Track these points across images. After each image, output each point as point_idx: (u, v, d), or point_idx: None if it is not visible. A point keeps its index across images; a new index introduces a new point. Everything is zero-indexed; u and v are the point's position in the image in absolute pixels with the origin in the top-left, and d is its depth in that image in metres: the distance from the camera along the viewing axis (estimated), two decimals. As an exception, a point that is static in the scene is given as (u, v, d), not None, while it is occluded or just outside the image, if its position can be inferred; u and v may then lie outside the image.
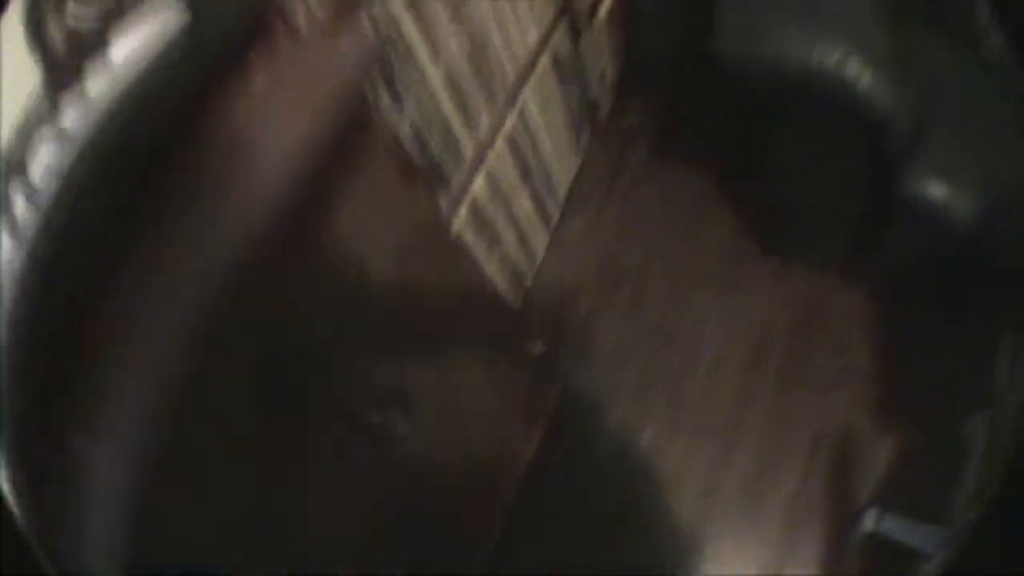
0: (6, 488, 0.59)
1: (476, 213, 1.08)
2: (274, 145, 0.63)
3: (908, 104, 0.98)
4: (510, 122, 1.09)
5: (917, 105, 1.00)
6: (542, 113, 1.17)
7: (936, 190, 1.03)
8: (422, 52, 0.99)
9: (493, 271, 1.12)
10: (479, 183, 1.07)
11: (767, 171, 1.16)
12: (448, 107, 1.03)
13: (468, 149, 1.06)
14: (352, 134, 0.67)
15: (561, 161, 1.21)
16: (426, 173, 1.04)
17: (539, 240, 1.20)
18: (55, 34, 0.84)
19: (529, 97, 1.15)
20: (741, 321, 1.17)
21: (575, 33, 1.22)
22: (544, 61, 1.18)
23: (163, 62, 0.63)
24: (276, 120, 0.65)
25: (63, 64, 0.77)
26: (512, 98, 1.10)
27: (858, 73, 0.94)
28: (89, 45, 0.65)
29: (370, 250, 0.77)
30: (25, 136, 0.73)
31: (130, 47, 0.66)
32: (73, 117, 0.63)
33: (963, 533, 1.12)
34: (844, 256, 1.16)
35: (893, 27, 1.16)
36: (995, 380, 1.19)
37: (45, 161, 0.64)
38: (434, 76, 1.01)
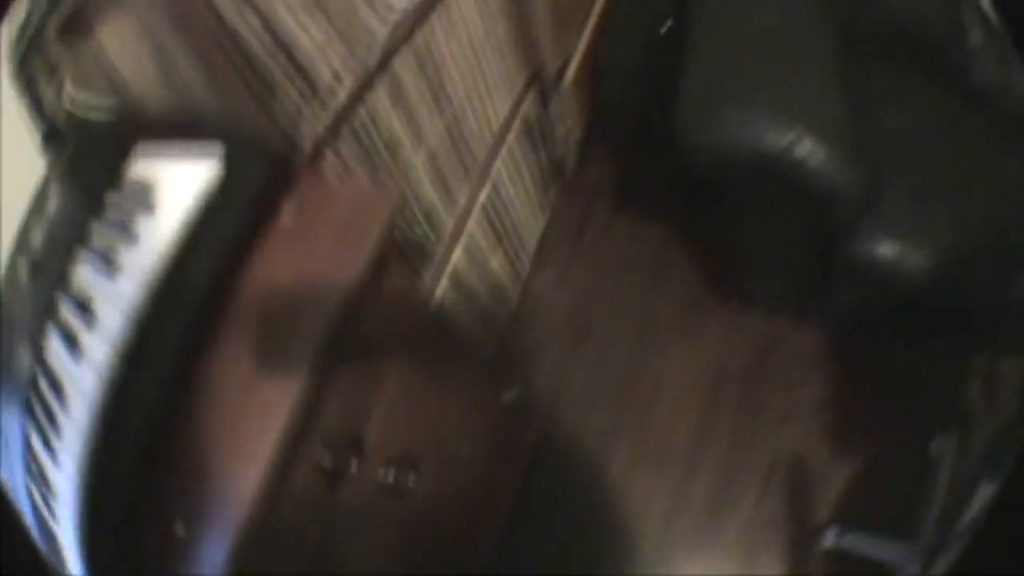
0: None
1: (456, 280, 1.17)
2: (310, 284, 0.72)
3: (858, 178, 1.06)
4: (484, 193, 1.17)
5: (869, 175, 1.08)
6: (513, 179, 1.25)
7: (885, 250, 1.10)
8: (407, 142, 1.07)
9: (470, 326, 1.21)
10: (458, 254, 1.15)
11: (721, 226, 1.27)
12: (430, 189, 1.11)
13: (449, 225, 1.14)
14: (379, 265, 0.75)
15: (531, 218, 1.29)
16: (412, 255, 1.12)
17: (512, 293, 1.28)
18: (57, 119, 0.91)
19: (501, 166, 1.23)
20: (699, 364, 1.27)
21: (544, 97, 1.29)
22: (515, 129, 1.25)
23: (205, 210, 0.71)
24: (310, 260, 0.73)
25: (88, 186, 0.84)
26: (486, 170, 1.18)
27: (809, 154, 1.02)
28: (131, 193, 0.73)
29: (386, 348, 0.85)
30: (58, 246, 0.81)
31: (170, 195, 0.74)
32: (128, 259, 0.71)
33: (936, 547, 1.25)
34: (797, 301, 1.27)
35: (857, 82, 1.26)
36: (964, 400, 1.30)
37: (94, 286, 0.72)
38: (418, 163, 1.08)
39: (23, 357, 0.80)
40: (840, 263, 1.18)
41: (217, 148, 0.75)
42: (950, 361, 1.32)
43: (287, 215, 0.75)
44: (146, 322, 0.67)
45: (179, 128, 0.81)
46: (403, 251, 0.98)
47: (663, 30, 1.31)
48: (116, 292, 0.70)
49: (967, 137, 1.38)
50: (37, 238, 0.86)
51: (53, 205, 0.88)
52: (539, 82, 1.26)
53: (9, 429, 0.80)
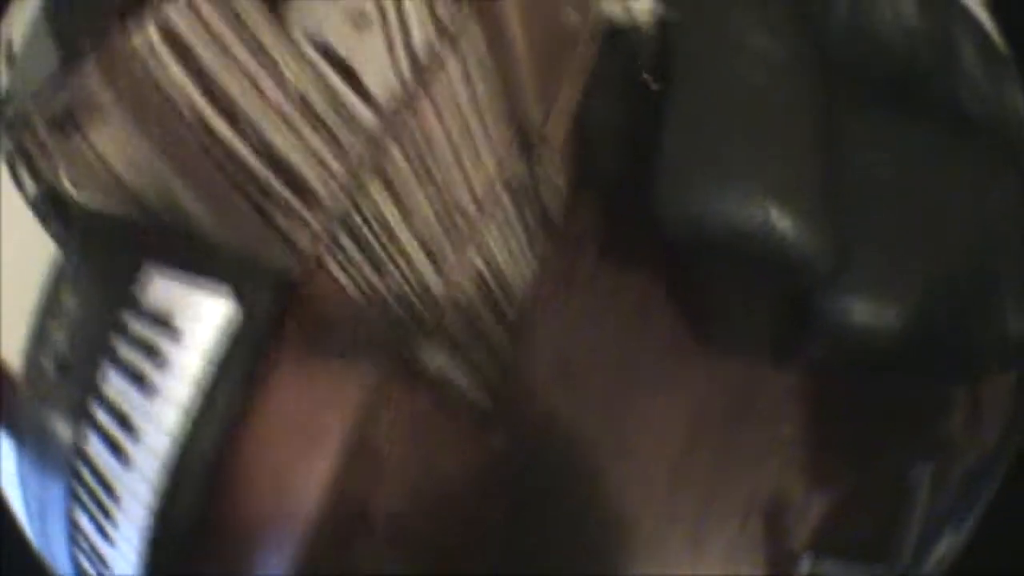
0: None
1: (446, 339, 1.22)
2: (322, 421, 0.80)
3: (829, 248, 1.10)
4: (472, 254, 1.21)
5: (841, 242, 1.12)
6: (501, 235, 1.29)
7: (856, 311, 1.16)
8: (399, 224, 1.11)
9: (464, 383, 1.27)
10: (450, 316, 1.20)
11: (699, 276, 1.31)
12: (421, 259, 1.15)
13: (440, 290, 1.19)
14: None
15: (519, 270, 1.33)
16: (406, 324, 1.17)
17: (503, 347, 1.34)
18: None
19: (489, 226, 1.27)
20: (680, 407, 1.33)
21: (529, 151, 1.33)
22: (502, 187, 1.29)
23: (227, 343, 0.78)
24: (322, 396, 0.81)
25: (104, 299, 0.90)
26: (474, 232, 1.22)
27: (779, 229, 1.06)
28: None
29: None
30: (84, 354, 0.88)
31: (191, 326, 0.80)
32: (162, 383, 0.79)
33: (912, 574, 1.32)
34: (775, 346, 1.32)
35: (839, 130, 1.27)
36: (944, 428, 1.31)
37: (130, 402, 0.81)
38: (409, 244, 1.13)
39: (61, 443, 0.88)
40: (813, 320, 1.24)
41: (228, 275, 0.82)
42: (930, 392, 1.37)
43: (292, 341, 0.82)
44: (187, 442, 0.76)
45: (184, 247, 0.87)
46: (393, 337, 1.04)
47: (649, 81, 1.34)
48: (154, 413, 0.79)
49: (950, 174, 1.40)
50: (60, 338, 0.92)
51: (70, 306, 0.93)
52: (524, 137, 1.30)
53: (47, 504, 0.88)
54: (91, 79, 0.77)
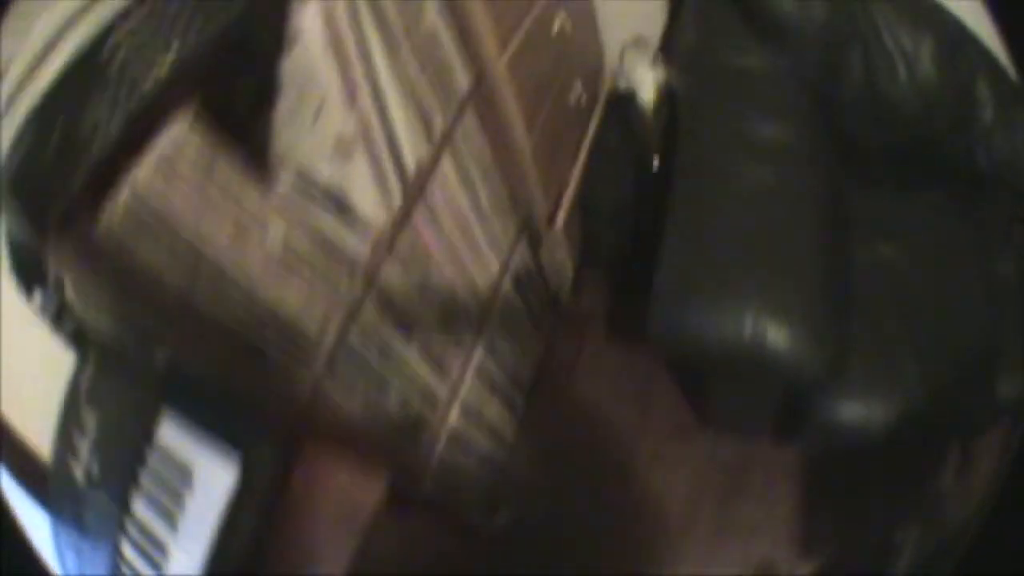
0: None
1: (453, 437, 1.27)
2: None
3: (825, 356, 1.11)
4: (477, 355, 1.25)
5: (836, 353, 1.12)
6: (506, 328, 1.32)
7: (848, 412, 1.17)
8: (398, 341, 1.14)
9: (471, 468, 1.33)
10: (454, 415, 1.25)
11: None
12: (424, 371, 1.19)
13: (444, 394, 1.23)
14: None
15: (524, 356, 1.37)
16: (409, 428, 1.22)
17: (508, 431, 1.38)
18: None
19: (494, 321, 1.30)
20: (678, 485, 1.38)
21: (534, 243, 1.34)
22: (506, 283, 1.31)
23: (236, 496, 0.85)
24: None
25: (124, 434, 0.97)
26: (478, 334, 1.26)
27: (773, 347, 1.08)
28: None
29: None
30: (111, 474, 0.96)
31: (205, 482, 0.87)
32: (183, 523, 0.87)
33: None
34: (770, 434, 1.35)
35: (844, 222, 1.28)
36: (934, 487, 1.34)
37: (159, 531, 0.90)
38: (410, 356, 1.16)
39: (98, 538, 0.97)
40: (805, 415, 1.26)
41: (234, 430, 0.88)
42: (920, 456, 1.39)
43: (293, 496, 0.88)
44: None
45: (190, 392, 0.92)
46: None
47: (652, 168, 1.34)
48: (182, 545, 0.87)
49: (957, 253, 1.40)
50: (85, 453, 1.00)
51: (91, 425, 1.00)
52: (528, 230, 1.31)
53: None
54: (62, 258, 0.81)
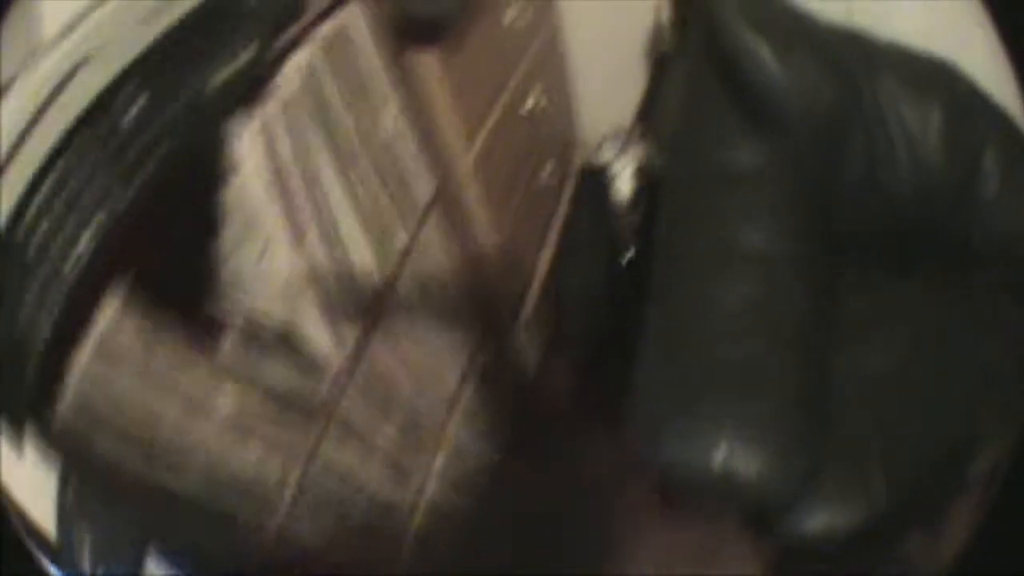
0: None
1: (420, 537, 1.27)
2: None
3: (796, 481, 1.08)
4: (440, 459, 1.24)
5: (812, 467, 1.09)
6: (469, 425, 1.31)
7: (812, 521, 1.11)
8: (358, 462, 1.13)
9: (440, 561, 1.33)
10: (418, 517, 1.25)
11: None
12: (386, 483, 1.18)
13: (407, 500, 1.22)
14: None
15: (490, 446, 1.36)
16: (373, 540, 1.22)
17: (474, 519, 1.39)
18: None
19: (457, 420, 1.28)
20: (644, 562, 1.38)
21: (500, 338, 1.31)
22: (471, 384, 1.29)
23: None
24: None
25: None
26: (440, 437, 1.24)
27: (743, 478, 1.05)
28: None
29: None
30: None
31: None
32: None
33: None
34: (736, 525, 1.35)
35: (829, 328, 1.23)
36: (903, 552, 1.40)
37: None
38: (371, 472, 1.15)
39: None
40: (770, 524, 1.25)
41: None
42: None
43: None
44: None
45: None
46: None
47: (624, 259, 1.29)
48: None
49: (946, 352, 1.32)
50: (86, 556, 1.01)
51: (86, 536, 1.01)
52: (495, 326, 1.28)
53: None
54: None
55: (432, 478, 1.21)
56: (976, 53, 1.35)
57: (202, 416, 0.84)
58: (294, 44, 0.99)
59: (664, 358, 1.15)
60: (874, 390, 1.24)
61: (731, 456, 1.07)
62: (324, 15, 1.02)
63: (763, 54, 1.28)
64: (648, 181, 1.31)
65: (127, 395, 0.78)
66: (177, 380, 0.82)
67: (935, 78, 1.31)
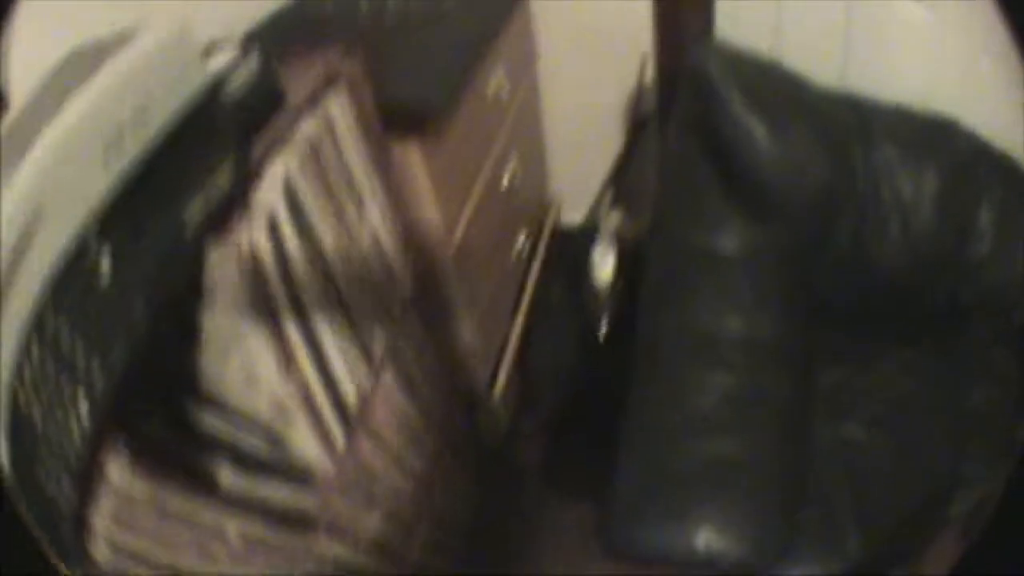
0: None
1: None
2: None
3: (772, 556, 1.10)
4: (423, 529, 1.27)
5: (787, 541, 1.11)
6: (446, 494, 1.33)
7: None
8: (349, 552, 1.14)
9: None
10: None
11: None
12: (374, 564, 1.21)
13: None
14: None
15: (464, 511, 1.39)
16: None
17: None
18: None
19: (436, 490, 1.30)
20: None
21: (475, 410, 1.33)
22: (447, 454, 1.31)
23: None
24: None
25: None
26: (421, 504, 1.26)
27: (728, 555, 1.05)
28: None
29: None
30: None
31: None
32: None
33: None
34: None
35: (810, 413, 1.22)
36: None
37: None
38: (359, 559, 1.17)
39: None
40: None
41: None
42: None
43: None
44: None
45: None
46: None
47: (599, 334, 1.32)
48: None
49: (926, 416, 1.29)
50: None
51: None
52: (469, 399, 1.30)
53: None
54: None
55: (415, 550, 1.25)
56: (983, 103, 1.31)
57: (214, 551, 0.88)
58: (275, 143, 0.96)
59: (644, 454, 1.16)
60: (852, 460, 1.24)
61: (714, 544, 1.08)
62: (307, 104, 0.99)
63: (758, 135, 1.23)
64: (623, 249, 1.33)
65: (147, 548, 0.80)
66: (188, 527, 0.85)
67: (933, 139, 1.31)
